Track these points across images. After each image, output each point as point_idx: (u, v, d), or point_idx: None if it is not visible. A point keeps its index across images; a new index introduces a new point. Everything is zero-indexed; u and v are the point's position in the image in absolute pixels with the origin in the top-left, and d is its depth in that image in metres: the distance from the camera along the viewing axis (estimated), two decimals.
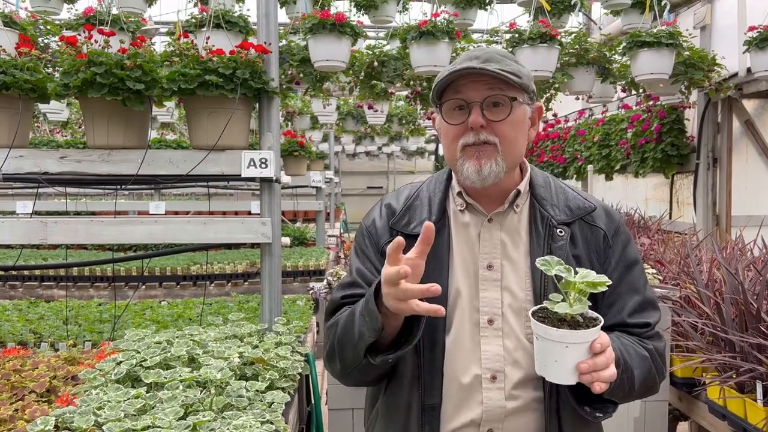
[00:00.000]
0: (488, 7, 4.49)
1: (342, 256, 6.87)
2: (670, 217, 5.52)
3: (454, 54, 3.91)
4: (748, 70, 4.20)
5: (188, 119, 2.53)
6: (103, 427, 1.52)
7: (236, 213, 7.37)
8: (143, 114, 2.48)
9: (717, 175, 4.86)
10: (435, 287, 1.10)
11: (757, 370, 2.22)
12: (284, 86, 3.92)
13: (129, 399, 1.68)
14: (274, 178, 2.48)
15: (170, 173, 2.47)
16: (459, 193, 1.36)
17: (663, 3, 4.21)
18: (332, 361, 1.34)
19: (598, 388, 1.10)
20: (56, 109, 5.90)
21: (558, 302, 1.12)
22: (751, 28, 3.97)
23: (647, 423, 2.78)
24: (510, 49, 4.00)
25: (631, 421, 2.76)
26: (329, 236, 7.66)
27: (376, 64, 4.13)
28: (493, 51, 1.30)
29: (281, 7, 4.40)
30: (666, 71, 3.98)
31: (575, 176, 6.74)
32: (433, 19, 3.74)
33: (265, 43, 2.50)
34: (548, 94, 4.62)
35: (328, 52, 3.64)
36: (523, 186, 1.36)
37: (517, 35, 3.90)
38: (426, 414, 1.29)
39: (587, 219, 1.35)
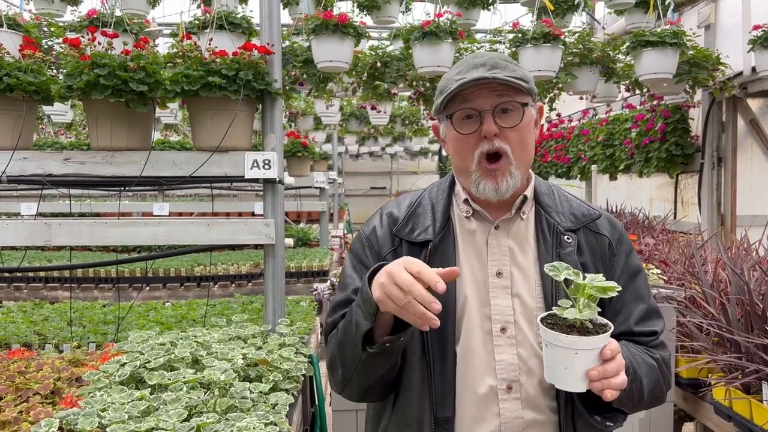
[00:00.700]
0: (491, 7, 4.48)
1: (345, 257, 6.86)
2: (675, 217, 5.51)
3: (457, 54, 3.91)
4: (753, 69, 4.18)
5: (191, 120, 2.53)
6: (107, 429, 1.51)
7: (240, 214, 7.38)
8: (147, 115, 2.49)
9: (722, 174, 4.84)
10: (441, 285, 1.07)
11: (763, 371, 2.20)
12: (287, 87, 3.92)
13: (133, 401, 1.68)
14: (278, 179, 2.48)
15: (174, 174, 2.47)
16: (465, 200, 1.35)
17: (667, 2, 4.19)
18: (334, 370, 1.30)
19: (609, 395, 1.09)
20: (60, 111, 5.91)
21: (567, 308, 1.11)
22: (756, 27, 3.96)
23: (652, 424, 2.77)
24: (513, 49, 4.00)
25: (637, 423, 2.75)
26: (333, 237, 7.65)
27: (379, 64, 4.13)
28: (495, 57, 1.28)
29: (284, 8, 4.40)
30: (670, 71, 3.96)
31: (579, 176, 6.72)
32: (436, 19, 3.74)
33: (268, 44, 2.50)
34: (552, 94, 4.61)
35: (331, 52, 3.64)
36: (529, 192, 1.35)
37: (520, 35, 3.90)
38: (439, 427, 1.25)
39: (591, 227, 1.35)
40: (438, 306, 1.07)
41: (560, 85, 4.40)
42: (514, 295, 1.28)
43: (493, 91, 1.25)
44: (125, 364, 1.95)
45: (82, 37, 2.51)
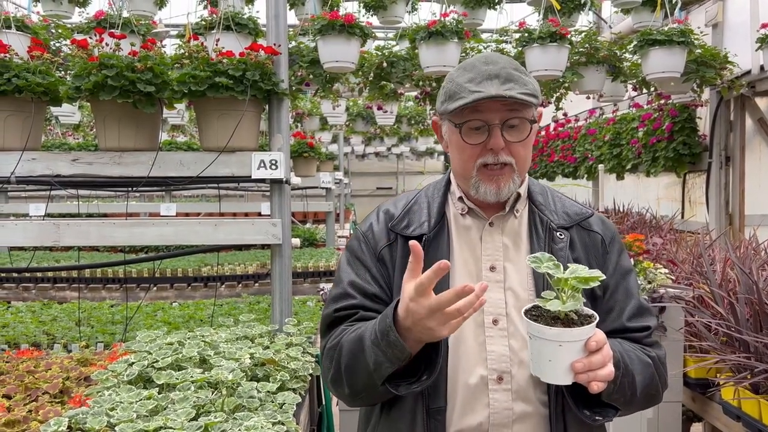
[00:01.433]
0: (497, 6, 4.47)
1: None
2: (683, 217, 5.48)
3: (463, 54, 3.90)
4: (761, 67, 4.16)
5: (198, 121, 2.54)
6: (116, 428, 1.52)
7: (246, 214, 7.40)
8: (154, 116, 2.50)
9: (730, 173, 4.81)
10: (468, 286, 1.08)
11: None
12: (294, 87, 3.93)
13: (141, 400, 1.68)
14: (284, 179, 2.49)
15: (181, 175, 2.48)
16: (460, 198, 1.38)
17: (674, 1, 4.18)
18: (338, 386, 1.30)
19: (596, 387, 1.10)
20: (68, 113, 5.94)
21: (550, 299, 1.10)
22: (764, 26, 3.93)
23: (660, 424, 2.76)
24: (519, 49, 3.99)
25: (645, 422, 2.74)
26: (339, 237, 7.65)
27: (385, 64, 4.13)
28: (507, 66, 1.28)
29: (290, 9, 4.41)
30: (677, 69, 3.94)
31: (586, 176, 6.70)
32: (442, 19, 3.74)
33: (274, 44, 2.50)
34: (558, 94, 4.60)
35: (338, 53, 3.64)
36: (523, 190, 1.38)
37: (526, 34, 3.89)
38: (431, 418, 1.26)
39: (584, 225, 1.38)
40: (470, 286, 1.08)
41: (567, 85, 4.39)
42: (506, 288, 1.30)
43: (504, 104, 1.26)
44: (133, 363, 1.96)
45: (90, 38, 2.52)
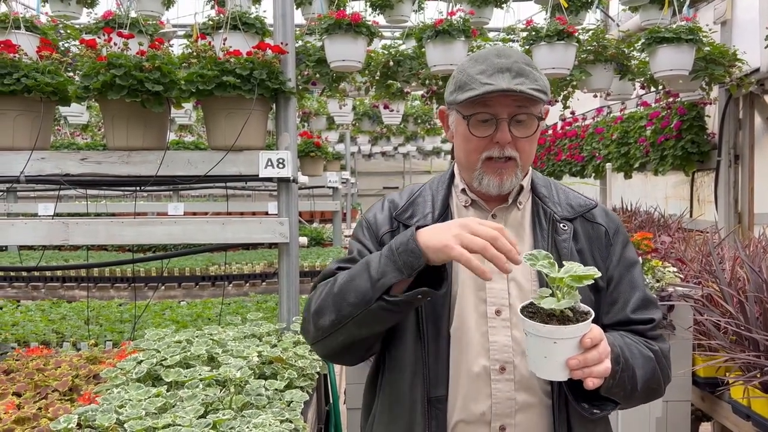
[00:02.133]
0: (504, 4, 4.46)
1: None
2: (691, 216, 5.45)
3: (470, 53, 3.89)
4: None
5: (206, 120, 2.55)
6: (125, 425, 1.53)
7: (253, 214, 7.41)
8: (162, 115, 2.51)
9: (739, 172, 4.78)
10: (509, 265, 1.10)
11: None
12: (301, 87, 3.93)
13: (150, 397, 1.69)
14: (292, 178, 2.49)
15: (189, 174, 2.49)
16: (463, 190, 1.39)
17: None
18: (320, 316, 1.24)
19: (591, 383, 1.10)
20: (76, 112, 5.97)
21: (546, 297, 1.10)
22: None
23: (669, 424, 2.74)
24: (527, 47, 3.98)
25: (653, 421, 2.72)
26: (346, 236, 7.66)
27: (391, 63, 4.13)
28: (519, 60, 1.27)
29: (297, 8, 4.42)
30: (686, 67, 3.92)
31: (594, 175, 6.67)
32: (449, 17, 3.73)
33: (281, 43, 2.51)
34: (566, 92, 4.58)
35: (344, 52, 3.65)
36: (526, 182, 1.38)
37: (533, 33, 3.88)
38: (432, 407, 1.27)
39: (588, 216, 1.38)
40: (518, 259, 1.10)
41: (574, 83, 4.37)
42: (510, 279, 1.30)
43: (514, 99, 1.26)
44: (142, 361, 1.97)
45: (98, 38, 2.53)
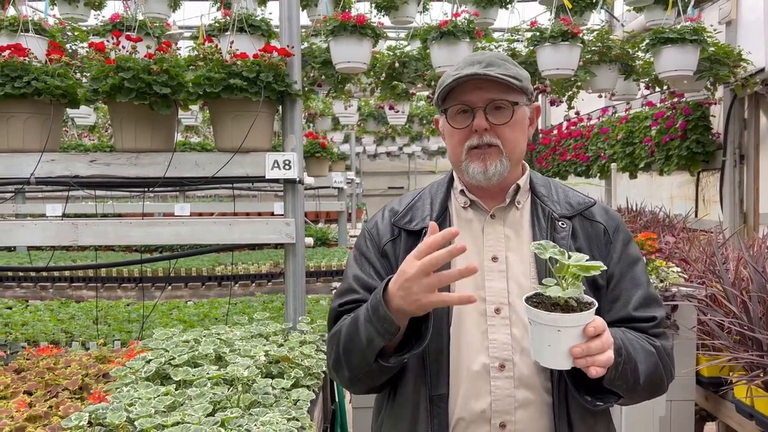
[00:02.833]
0: (509, 5, 4.47)
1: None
2: (696, 215, 5.45)
3: None
4: None
5: (213, 122, 2.57)
6: (135, 423, 1.56)
7: (259, 214, 7.44)
8: (170, 117, 2.53)
9: (744, 172, 4.78)
10: (473, 266, 1.12)
11: None
12: (306, 88, 3.96)
13: (159, 396, 1.72)
14: (298, 179, 2.51)
15: (196, 175, 2.52)
16: (461, 191, 1.40)
17: None
18: (339, 370, 1.34)
19: (594, 372, 1.11)
20: (83, 114, 6.01)
21: (551, 286, 1.12)
22: None
23: (673, 423, 2.75)
24: (531, 48, 3.99)
25: (657, 421, 2.73)
26: (351, 237, 7.68)
27: (397, 64, 4.15)
28: (493, 55, 1.34)
29: (303, 10, 4.44)
30: (690, 67, 3.93)
31: (599, 175, 6.67)
32: (454, 18, 3.75)
33: (287, 46, 2.53)
34: (570, 92, 4.59)
35: (350, 53, 3.67)
36: (523, 181, 1.40)
37: (538, 34, 3.89)
38: (434, 405, 1.30)
39: (587, 214, 1.39)
40: (474, 266, 1.13)
41: (579, 83, 4.38)
42: (509, 278, 1.32)
43: (487, 88, 1.30)
44: (150, 360, 2.00)
45: (107, 41, 2.56)
